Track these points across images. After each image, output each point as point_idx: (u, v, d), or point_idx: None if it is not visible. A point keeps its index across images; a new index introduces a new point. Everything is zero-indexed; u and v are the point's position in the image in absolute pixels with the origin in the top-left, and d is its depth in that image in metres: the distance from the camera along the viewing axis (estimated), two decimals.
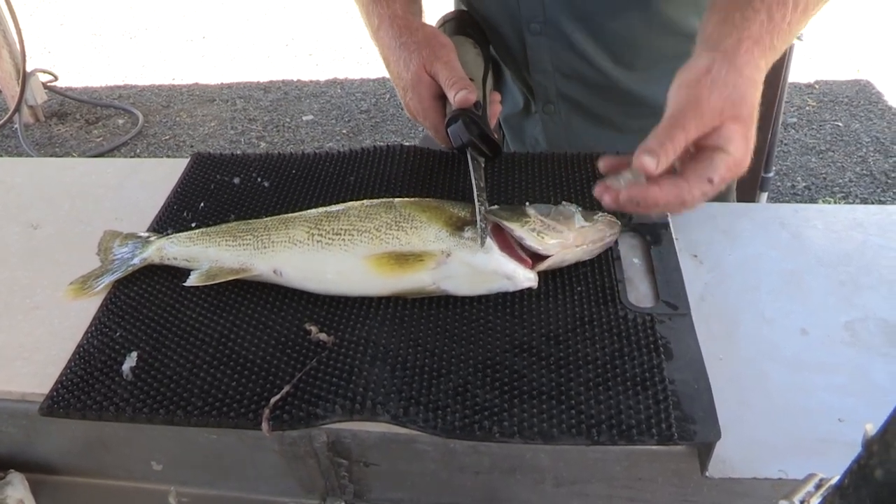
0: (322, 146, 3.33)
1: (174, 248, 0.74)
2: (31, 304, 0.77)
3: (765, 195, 2.54)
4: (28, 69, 3.73)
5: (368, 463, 0.66)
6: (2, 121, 3.82)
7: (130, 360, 0.66)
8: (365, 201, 0.72)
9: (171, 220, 0.83)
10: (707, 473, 0.56)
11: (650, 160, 0.64)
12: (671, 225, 0.76)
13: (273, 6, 5.31)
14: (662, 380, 0.58)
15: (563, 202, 0.71)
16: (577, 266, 0.70)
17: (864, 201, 2.93)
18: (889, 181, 3.03)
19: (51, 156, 3.58)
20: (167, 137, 3.60)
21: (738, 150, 0.68)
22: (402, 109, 0.87)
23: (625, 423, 0.55)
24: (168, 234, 0.79)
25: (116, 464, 0.73)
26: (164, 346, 0.67)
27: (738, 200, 2.49)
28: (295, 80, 4.09)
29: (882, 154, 3.21)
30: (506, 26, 0.97)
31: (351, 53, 4.31)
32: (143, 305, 0.72)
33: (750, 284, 0.75)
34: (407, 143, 0.92)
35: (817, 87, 3.93)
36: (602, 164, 0.71)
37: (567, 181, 0.82)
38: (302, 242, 0.68)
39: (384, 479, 0.67)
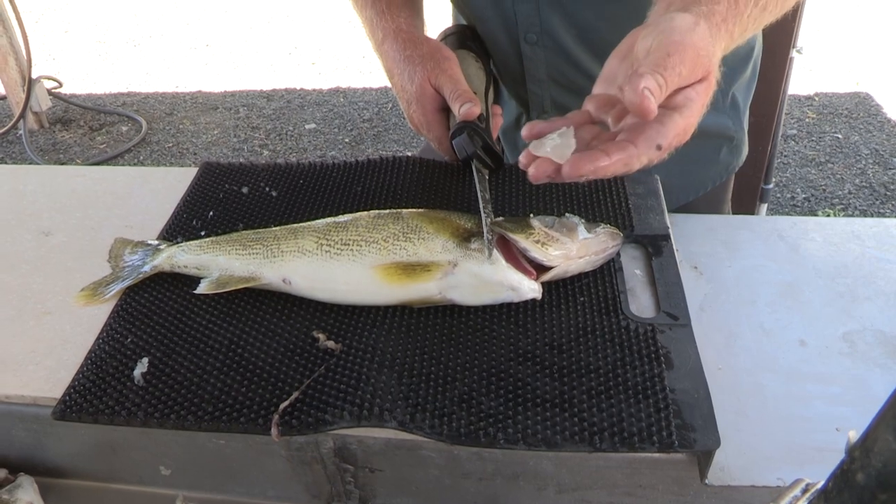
0: (324, 155, 3.35)
1: (184, 257, 0.76)
2: (42, 310, 0.78)
3: (764, 206, 2.56)
4: (33, 76, 3.75)
5: (374, 469, 0.67)
6: (6, 127, 3.84)
7: (141, 366, 0.67)
8: (373, 212, 0.74)
9: (180, 228, 0.84)
10: (706, 481, 0.57)
11: (652, 101, 0.59)
12: (672, 236, 0.78)
13: (276, 15, 5.33)
14: (663, 389, 0.59)
15: (567, 214, 0.72)
16: (580, 277, 0.71)
17: (864, 213, 2.95)
18: (888, 193, 3.05)
19: (55, 162, 3.60)
20: (170, 145, 3.62)
21: (694, 117, 0.64)
22: (404, 119, 0.88)
23: (626, 430, 0.57)
24: (178, 243, 0.80)
25: (125, 468, 0.75)
26: (174, 353, 0.68)
27: (738, 211, 2.51)
28: (298, 88, 4.12)
29: (881, 166, 3.23)
30: (502, 36, 0.98)
31: (353, 63, 4.33)
32: (153, 312, 0.73)
33: (749, 296, 0.77)
34: (411, 154, 0.93)
35: (817, 99, 3.95)
36: (526, 131, 0.66)
37: (570, 193, 0.84)
38: (311, 252, 0.70)
39: (389, 485, 0.68)
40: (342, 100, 3.89)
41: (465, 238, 0.68)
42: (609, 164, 0.61)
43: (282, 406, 0.61)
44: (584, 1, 0.91)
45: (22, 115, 3.73)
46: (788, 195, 3.14)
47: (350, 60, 4.35)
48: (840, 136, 3.52)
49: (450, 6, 1.09)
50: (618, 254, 0.73)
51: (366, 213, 0.74)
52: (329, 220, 0.74)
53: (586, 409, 0.59)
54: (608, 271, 0.72)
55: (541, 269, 0.68)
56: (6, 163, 3.65)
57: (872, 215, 2.93)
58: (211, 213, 0.86)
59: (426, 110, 0.87)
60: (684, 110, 0.63)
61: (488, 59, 1.01)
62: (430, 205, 0.78)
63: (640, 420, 0.57)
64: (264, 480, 0.71)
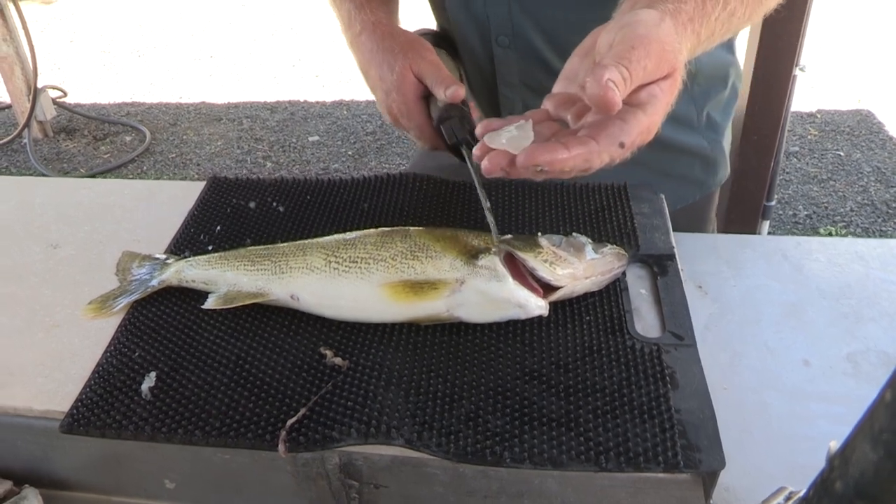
0: (327, 167, 3.36)
1: (193, 271, 0.76)
2: (50, 323, 0.79)
3: (766, 223, 2.57)
4: (39, 85, 3.77)
5: (379, 485, 0.67)
6: (11, 136, 3.86)
7: (149, 380, 0.67)
8: (381, 230, 0.74)
9: (188, 242, 0.85)
10: (711, 502, 0.58)
11: (616, 94, 0.56)
12: (677, 256, 0.78)
13: (280, 27, 5.36)
14: (668, 409, 0.60)
15: (574, 233, 0.73)
16: (586, 296, 0.71)
17: (866, 231, 2.95)
18: (890, 211, 3.05)
19: (58, 171, 3.61)
20: (174, 155, 3.64)
21: (658, 115, 0.62)
22: (408, 132, 0.89)
23: (632, 450, 0.57)
24: (186, 257, 0.81)
25: (130, 481, 0.75)
26: (182, 367, 0.68)
27: (740, 228, 2.52)
28: (301, 100, 4.14)
29: (883, 184, 3.24)
30: (475, 39, 0.99)
31: (357, 75, 4.32)
32: (161, 326, 0.74)
33: (753, 315, 0.77)
34: (418, 171, 0.94)
35: (819, 116, 3.97)
36: (481, 128, 0.64)
37: (576, 211, 0.84)
38: (319, 269, 0.70)
39: (394, 501, 0.68)
40: (345, 112, 3.90)
41: (472, 256, 0.68)
42: (568, 157, 0.59)
43: (289, 422, 0.61)
44: (555, 6, 0.92)
45: (27, 125, 3.75)
46: (790, 212, 3.15)
47: (353, 73, 4.36)
48: (842, 153, 3.53)
49: (426, 13, 1.10)
50: (623, 273, 0.74)
51: (374, 230, 0.75)
52: (337, 236, 0.75)
53: (592, 428, 0.59)
54: (614, 291, 0.72)
55: (548, 288, 0.68)
56: (10, 171, 3.66)
57: (874, 233, 2.93)
58: (218, 228, 0.86)
59: (407, 98, 0.87)
60: (648, 107, 0.62)
61: (460, 62, 1.01)
62: (437, 222, 0.78)
63: (646, 440, 0.57)
64: (269, 495, 0.71)
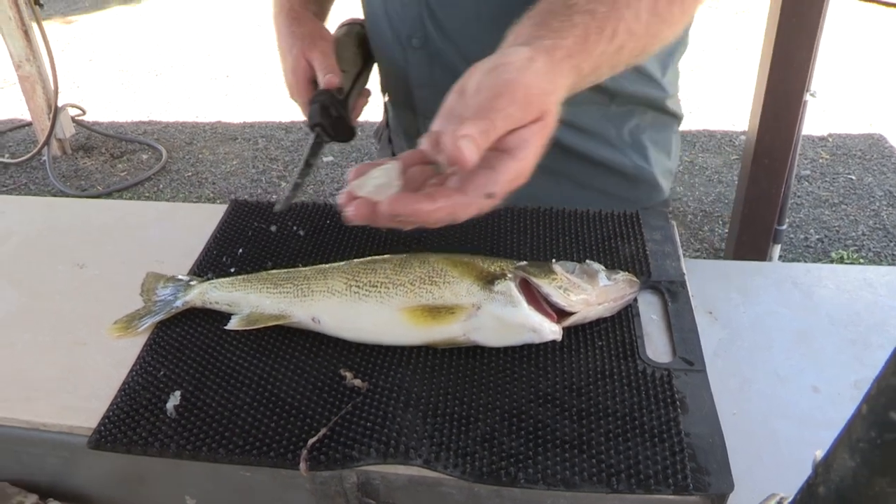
0: (341, 187, 3.39)
1: (217, 293, 0.78)
2: (76, 341, 0.81)
3: (777, 247, 2.58)
4: (59, 104, 3.83)
5: None
6: (31, 153, 3.92)
7: (174, 399, 0.70)
8: (400, 255, 0.76)
9: (211, 264, 0.87)
10: None
11: (472, 148, 0.56)
12: (688, 282, 0.80)
13: None
14: (679, 433, 0.61)
15: (587, 260, 0.75)
16: (599, 321, 0.73)
17: (877, 255, 2.96)
18: None
19: (77, 188, 3.66)
20: (190, 174, 3.68)
21: (528, 160, 0.61)
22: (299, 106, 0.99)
23: (643, 472, 0.59)
24: (209, 279, 0.83)
25: (151, 497, 0.77)
26: (206, 387, 0.70)
27: (751, 253, 2.53)
28: None
29: (895, 208, 3.24)
30: (389, 38, 1.03)
31: (372, 96, 4.40)
32: (185, 346, 0.76)
33: (763, 342, 0.79)
34: None
35: (830, 140, 3.98)
36: (352, 175, 0.64)
37: (589, 238, 0.86)
38: (340, 293, 0.72)
39: None
40: (360, 133, 3.94)
41: (488, 281, 0.70)
42: (432, 209, 0.59)
43: (310, 442, 0.63)
44: (460, 19, 0.96)
45: (47, 142, 3.81)
46: (802, 236, 3.16)
47: None
48: (854, 177, 3.54)
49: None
50: (635, 299, 0.75)
51: (393, 256, 0.77)
52: (357, 261, 0.77)
53: (604, 451, 0.61)
54: (626, 316, 0.74)
55: (562, 313, 0.70)
56: (29, 188, 3.71)
57: (886, 257, 2.94)
58: (240, 251, 0.89)
59: (298, 79, 0.96)
60: (518, 152, 0.61)
61: (370, 54, 1.09)
62: (454, 249, 0.80)
63: (657, 463, 0.59)
64: None
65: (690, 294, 0.79)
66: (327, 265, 0.78)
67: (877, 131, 3.91)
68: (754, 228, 2.53)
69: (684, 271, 0.80)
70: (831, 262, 2.95)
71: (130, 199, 3.52)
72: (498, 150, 0.60)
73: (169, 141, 4.08)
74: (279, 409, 0.67)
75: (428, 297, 0.70)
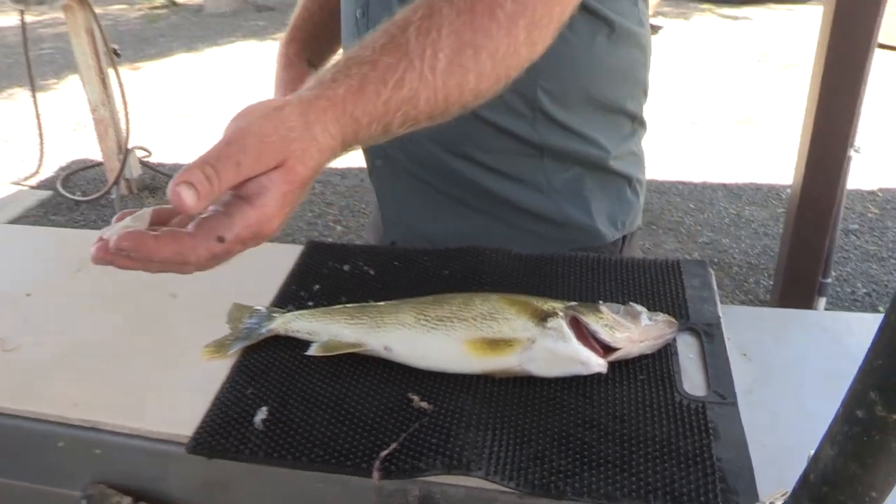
0: None
1: (299, 323, 0.88)
2: (172, 361, 0.91)
3: (823, 300, 2.61)
4: (128, 146, 4.05)
5: None
6: (101, 192, 4.13)
7: (261, 414, 0.79)
8: (464, 294, 0.86)
9: (290, 298, 0.98)
10: None
11: (189, 194, 0.57)
12: (723, 325, 0.87)
13: None
14: (710, 457, 0.69)
15: (631, 303, 0.83)
16: (641, 358, 0.81)
17: None
18: None
19: None
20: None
21: (269, 207, 0.64)
22: None
23: (677, 491, 0.66)
24: (289, 310, 0.93)
25: None
26: (289, 404, 0.80)
27: (796, 304, 2.56)
28: None
29: None
30: (347, 8, 1.15)
31: None
32: (270, 369, 0.86)
33: (795, 383, 0.85)
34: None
35: (880, 194, 3.99)
36: (114, 220, 0.66)
37: (634, 284, 0.94)
38: (410, 325, 0.82)
39: None
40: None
41: (542, 318, 0.79)
42: (154, 246, 0.60)
43: (382, 454, 0.72)
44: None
45: (116, 182, 4.02)
46: (849, 289, 3.17)
47: None
48: None
49: None
50: (674, 339, 0.83)
51: (458, 294, 0.86)
52: (426, 297, 0.87)
53: (643, 471, 0.68)
54: (665, 354, 0.82)
55: (607, 349, 0.78)
56: (98, 225, 3.91)
57: None
58: (317, 287, 0.99)
59: None
60: (255, 199, 0.63)
61: None
62: (510, 290, 0.89)
63: (689, 483, 0.66)
64: None
65: (726, 336, 0.86)
66: (399, 300, 0.88)
67: None
68: (799, 281, 2.57)
69: (720, 315, 0.88)
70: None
71: None
72: (237, 197, 0.63)
73: None
74: (354, 425, 0.76)
75: (488, 330, 0.79)
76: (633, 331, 0.79)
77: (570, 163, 1.15)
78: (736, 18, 9.07)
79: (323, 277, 1.01)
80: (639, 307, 0.81)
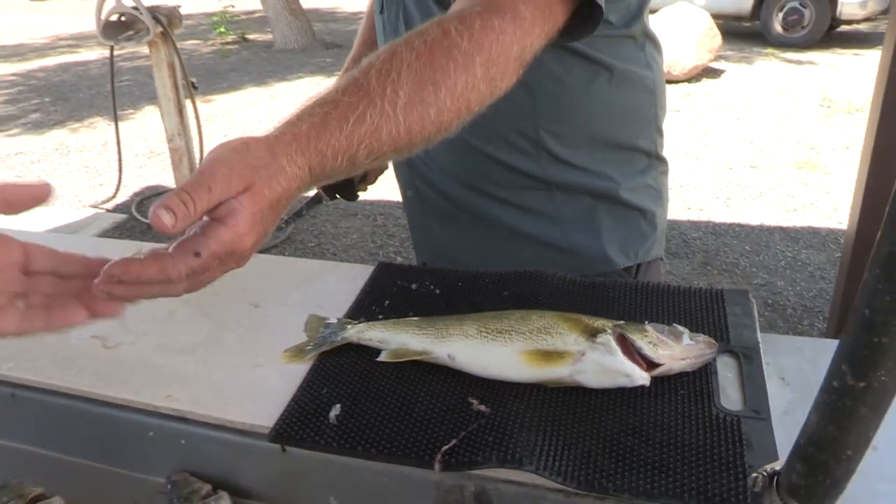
0: None
1: (371, 333, 0.98)
2: (256, 363, 1.01)
3: None
4: None
5: None
6: None
7: (335, 410, 0.88)
8: (522, 310, 0.94)
9: (362, 311, 1.07)
10: None
11: (168, 216, 0.64)
12: (762, 350, 0.94)
13: None
14: (742, 465, 0.75)
15: (674, 324, 0.90)
16: (681, 374, 0.88)
17: None
18: None
19: None
20: (313, 244, 3.98)
21: (240, 226, 0.70)
22: None
23: (710, 492, 0.73)
24: (361, 321, 1.03)
25: (302, 495, 0.94)
26: (360, 403, 0.89)
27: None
28: None
29: None
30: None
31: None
32: (343, 372, 0.95)
33: None
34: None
35: None
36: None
37: (679, 308, 1.02)
38: (472, 336, 0.91)
39: None
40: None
41: (592, 334, 0.87)
42: (140, 268, 0.67)
43: (444, 448, 0.80)
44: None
45: None
46: None
47: None
48: None
49: None
50: (714, 359, 0.90)
51: (516, 310, 0.95)
52: (487, 313, 0.95)
53: (679, 473, 0.75)
54: (705, 372, 0.89)
55: (651, 364, 0.86)
56: None
57: None
58: (387, 302, 1.08)
59: None
60: (227, 220, 0.70)
61: None
62: (564, 308, 0.97)
63: (722, 485, 0.73)
64: None
65: (765, 361, 0.93)
66: (462, 315, 0.97)
67: None
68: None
69: (759, 340, 0.94)
70: None
71: None
72: (212, 219, 0.70)
73: (292, 212, 4.41)
74: (418, 424, 0.85)
75: (543, 343, 0.87)
76: (675, 349, 0.86)
77: (579, 194, 1.23)
78: (800, 63, 9.03)
79: (393, 294, 1.11)
80: (681, 328, 0.89)
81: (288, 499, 0.95)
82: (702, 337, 0.89)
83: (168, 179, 4.79)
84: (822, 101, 7.26)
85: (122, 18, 3.98)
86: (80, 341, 1.07)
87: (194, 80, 4.30)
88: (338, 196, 1.22)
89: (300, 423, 0.87)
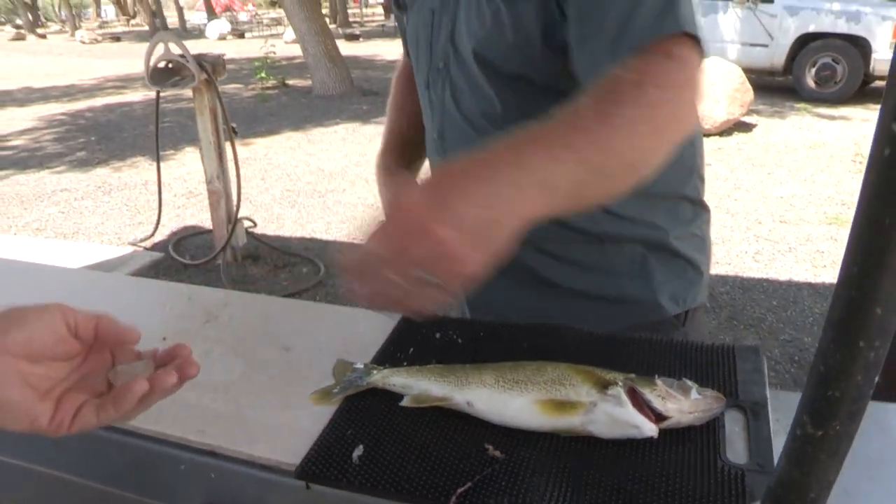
0: None
1: (395, 378, 1.03)
2: (285, 404, 1.07)
3: None
4: (238, 216, 4.36)
5: None
6: (209, 258, 4.44)
7: (358, 451, 0.93)
8: (538, 362, 0.99)
9: (388, 357, 1.13)
10: None
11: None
12: (773, 407, 0.97)
13: None
14: None
15: (684, 378, 0.94)
16: (689, 428, 0.92)
17: None
18: None
19: (243, 291, 4.10)
20: (343, 291, 4.05)
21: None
22: None
23: None
24: (386, 367, 1.08)
25: None
26: (382, 445, 0.94)
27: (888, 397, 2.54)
28: None
29: None
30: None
31: None
32: (367, 414, 1.00)
33: None
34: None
35: None
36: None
37: (690, 363, 1.05)
38: (490, 385, 0.95)
39: None
40: None
41: (604, 386, 0.91)
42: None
43: (459, 490, 0.85)
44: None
45: (223, 249, 4.32)
46: None
47: None
48: None
49: None
50: (722, 413, 0.94)
51: (533, 361, 0.99)
52: (505, 363, 1.00)
53: None
54: (712, 426, 0.92)
55: (659, 417, 0.90)
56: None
57: None
58: (411, 350, 1.14)
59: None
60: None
61: None
62: (578, 361, 1.02)
63: None
64: None
65: (774, 417, 0.96)
66: (481, 364, 1.01)
67: None
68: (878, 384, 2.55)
69: (767, 396, 0.98)
70: None
71: None
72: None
73: (327, 258, 4.50)
74: (436, 466, 0.89)
75: (556, 393, 0.92)
76: (683, 403, 0.90)
77: (630, 244, 1.27)
78: (833, 118, 9.04)
79: (417, 342, 1.16)
80: (690, 383, 0.93)
81: None
82: (710, 392, 0.93)
83: (206, 220, 4.92)
84: (854, 157, 7.26)
85: (170, 65, 4.14)
86: None
87: (234, 125, 4.45)
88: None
89: (325, 462, 0.92)
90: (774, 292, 4.36)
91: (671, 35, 0.96)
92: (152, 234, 5.18)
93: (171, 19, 41.87)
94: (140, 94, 11.75)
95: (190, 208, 5.91)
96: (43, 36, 38.40)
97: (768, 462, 0.87)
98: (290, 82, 12.71)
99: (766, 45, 10.36)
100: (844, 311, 0.43)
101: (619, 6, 0.98)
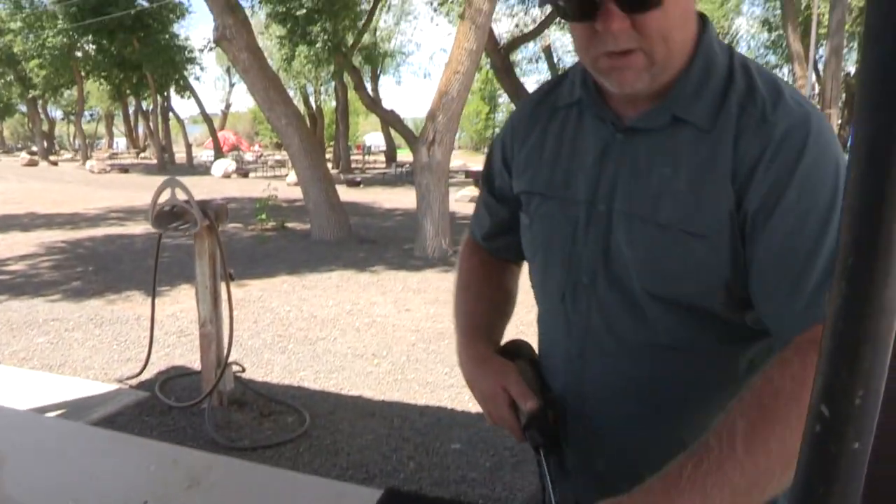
0: (465, 475, 3.57)
1: None
2: None
3: None
4: (227, 361, 4.34)
5: None
6: (195, 401, 4.38)
7: None
8: None
9: None
10: None
11: None
12: None
13: (438, 337, 5.92)
14: None
15: None
16: None
17: None
18: None
19: (227, 438, 4.02)
20: (328, 442, 3.98)
21: None
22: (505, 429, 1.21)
23: None
24: None
25: None
26: None
27: None
28: (449, 408, 4.47)
29: None
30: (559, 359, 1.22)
31: None
32: None
33: None
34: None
35: None
36: None
37: None
38: None
39: None
40: (488, 426, 4.17)
41: None
42: None
43: None
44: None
45: (210, 393, 4.27)
46: None
47: None
48: None
49: None
50: None
51: None
52: None
53: None
54: None
55: None
56: (186, 432, 4.12)
57: None
58: None
59: (500, 407, 1.17)
60: None
61: (538, 365, 1.27)
62: None
63: None
64: None
65: None
66: None
67: None
68: None
69: None
70: None
71: (272, 457, 3.82)
72: None
73: (313, 408, 4.45)
74: None
75: None
76: None
77: None
78: None
79: None
80: None
81: None
82: None
83: (194, 361, 4.88)
84: None
85: (174, 209, 4.25)
86: None
87: (231, 271, 4.51)
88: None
89: None
90: None
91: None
92: (139, 373, 5.12)
93: (180, 154, 43.17)
94: (141, 227, 11.94)
95: (179, 348, 5.86)
96: (55, 163, 39.40)
97: None
98: (290, 225, 12.96)
99: None
100: None
101: (817, 269, 0.95)
